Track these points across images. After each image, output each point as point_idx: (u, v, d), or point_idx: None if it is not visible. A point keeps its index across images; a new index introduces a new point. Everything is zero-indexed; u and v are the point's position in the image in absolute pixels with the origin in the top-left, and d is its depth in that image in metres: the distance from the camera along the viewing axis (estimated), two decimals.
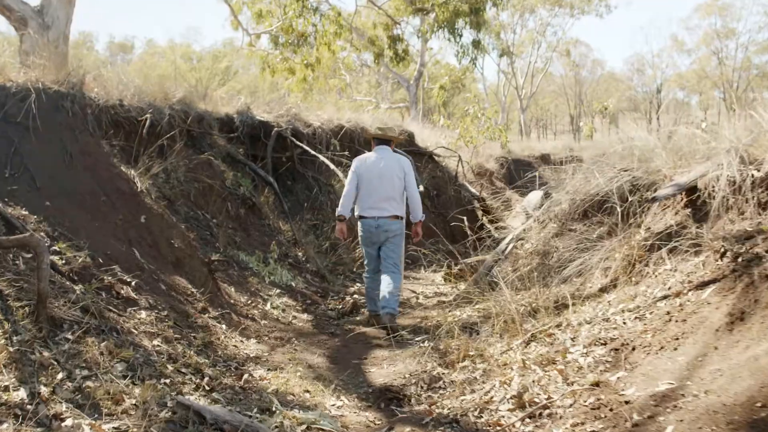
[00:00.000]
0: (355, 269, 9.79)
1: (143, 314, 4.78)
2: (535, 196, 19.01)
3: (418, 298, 8.66)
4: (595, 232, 6.88)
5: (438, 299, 8.58)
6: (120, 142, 7.26)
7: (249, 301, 6.93)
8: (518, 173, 28.48)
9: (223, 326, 5.68)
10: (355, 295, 8.39)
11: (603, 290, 5.72)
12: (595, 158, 8.24)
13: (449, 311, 7.13)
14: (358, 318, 7.51)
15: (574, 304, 5.49)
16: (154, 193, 7.01)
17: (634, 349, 4.10)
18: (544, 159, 36.22)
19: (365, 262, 7.43)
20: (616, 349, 4.21)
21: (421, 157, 14.85)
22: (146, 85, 8.98)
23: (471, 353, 5.16)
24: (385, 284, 6.90)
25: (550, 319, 5.41)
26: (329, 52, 18.47)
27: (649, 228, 5.83)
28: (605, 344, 4.39)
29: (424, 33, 20.00)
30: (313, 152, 10.72)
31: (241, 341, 5.61)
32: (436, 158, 15.48)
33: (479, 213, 15.51)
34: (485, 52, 22.99)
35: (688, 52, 64.82)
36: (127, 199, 6.24)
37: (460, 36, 18.80)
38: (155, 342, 4.45)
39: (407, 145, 14.30)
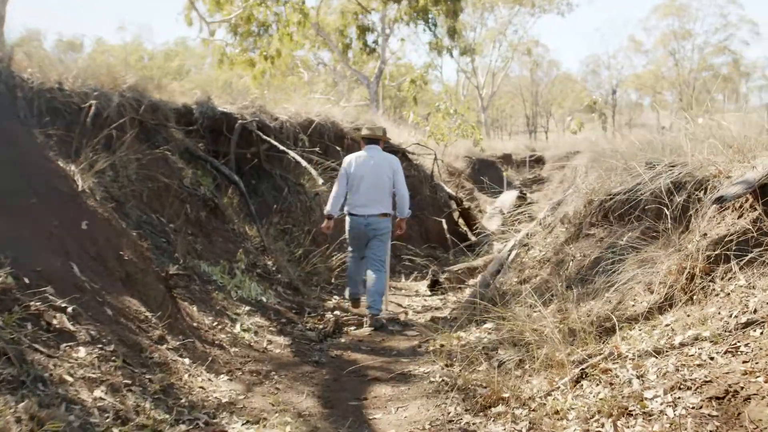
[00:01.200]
0: (332, 280, 8.69)
1: (82, 352, 3.61)
2: (509, 196, 18.12)
3: (407, 314, 7.57)
4: (624, 237, 5.89)
5: (431, 314, 7.51)
6: (58, 131, 6.03)
7: (215, 323, 5.77)
8: (482, 173, 27.83)
9: (186, 360, 4.51)
10: (336, 312, 7.31)
11: (653, 310, 4.70)
12: (612, 153, 7.26)
13: (453, 332, 6.07)
14: (342, 340, 6.43)
15: (621, 328, 4.48)
16: (100, 193, 5.81)
17: (747, 399, 3.07)
18: (507, 159, 35.67)
19: (350, 251, 7.63)
20: (719, 398, 3.18)
21: (395, 155, 13.80)
22: (92, 68, 7.74)
23: (504, 394, 4.10)
24: (371, 283, 7.10)
25: (594, 346, 4.38)
26: (291, 43, 17.30)
27: (706, 234, 4.83)
28: (695, 389, 3.35)
29: (398, 19, 18.84)
30: (283, 148, 9.58)
31: (209, 380, 4.45)
32: (410, 156, 14.43)
33: (456, 215, 14.54)
34: (448, 49, 21.94)
35: (645, 52, 64.92)
36: (65, 200, 5.03)
37: (435, 25, 17.77)
38: (97, 392, 3.30)
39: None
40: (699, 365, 3.55)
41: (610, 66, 68.49)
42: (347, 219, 7.47)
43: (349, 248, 7.63)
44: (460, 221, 14.51)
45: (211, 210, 8.05)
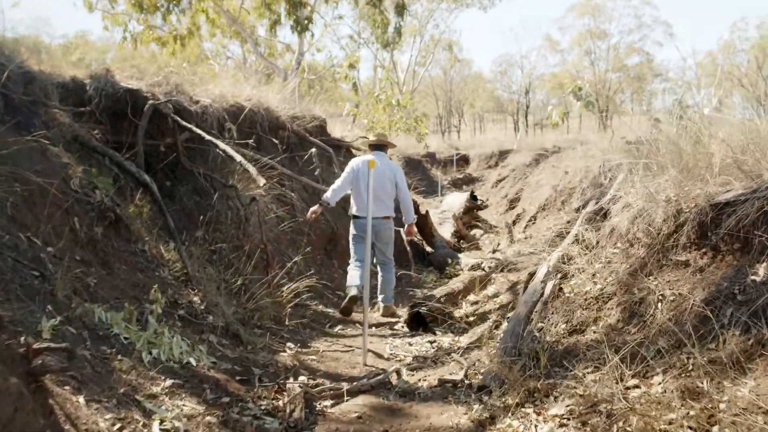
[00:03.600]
0: (284, 319, 6.38)
1: None
2: (457, 198, 16.08)
3: (399, 374, 5.29)
4: (759, 269, 3.86)
5: (434, 374, 5.28)
6: None
7: (117, 426, 3.38)
8: (411, 171, 25.92)
9: None
10: (301, 377, 4.99)
11: None
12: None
13: (500, 419, 3.90)
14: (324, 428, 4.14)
15: None
16: None
17: None
18: (431, 157, 34.01)
19: (354, 255, 7.72)
20: None
21: (338, 150, 11.53)
22: None
23: None
24: (383, 280, 7.77)
25: None
26: (208, 21, 14.77)
27: None
28: None
29: None
30: (210, 138, 7.19)
31: None
32: (355, 153, 12.20)
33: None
34: (396, 29, 19.78)
35: (561, 52, 64.57)
36: None
37: (380, 0, 15.56)
38: None
39: (320, 135, 10.97)
40: None
41: (523, 66, 68.09)
42: (352, 222, 7.73)
43: (353, 255, 7.70)
44: (414, 229, 12.37)
45: (110, 224, 5.60)
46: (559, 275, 5.39)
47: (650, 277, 4.49)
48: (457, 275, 9.83)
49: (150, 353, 4.44)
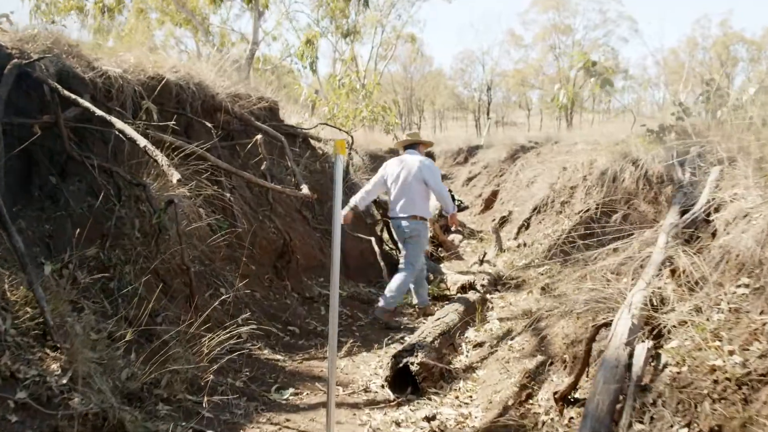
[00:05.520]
0: (204, 387, 4.22)
1: None
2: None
3: None
4: None
5: None
6: None
7: None
8: (374, 169, 23.86)
9: None
10: None
11: None
12: None
13: None
14: None
15: None
16: None
17: None
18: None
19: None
20: None
21: (293, 140, 9.38)
22: None
23: None
24: (393, 280, 7.26)
25: None
26: None
27: None
28: None
29: None
30: (100, 113, 5.00)
31: None
32: (314, 143, 10.07)
33: (378, 228, 10.33)
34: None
35: (525, 47, 63.17)
36: None
37: None
38: None
39: (270, 120, 8.83)
40: None
41: (484, 62, 66.55)
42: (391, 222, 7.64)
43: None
44: (384, 235, 10.28)
45: None
46: (647, 330, 3.33)
47: None
48: (444, 296, 7.82)
49: None
